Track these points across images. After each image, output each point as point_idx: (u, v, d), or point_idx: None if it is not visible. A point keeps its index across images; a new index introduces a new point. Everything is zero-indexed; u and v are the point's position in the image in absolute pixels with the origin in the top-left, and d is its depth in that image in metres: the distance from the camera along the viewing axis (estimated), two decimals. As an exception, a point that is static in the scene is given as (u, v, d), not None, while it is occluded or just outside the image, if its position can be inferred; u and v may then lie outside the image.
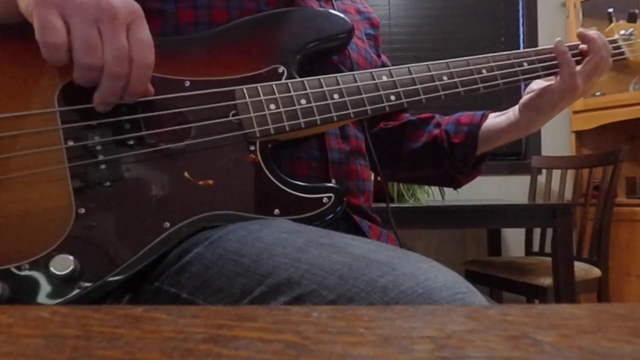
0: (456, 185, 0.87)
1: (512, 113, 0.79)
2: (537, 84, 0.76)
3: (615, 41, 0.81)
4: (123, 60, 0.47)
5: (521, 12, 2.68)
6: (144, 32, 0.49)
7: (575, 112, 2.50)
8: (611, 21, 0.85)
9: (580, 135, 2.53)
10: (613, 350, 0.17)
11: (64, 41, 0.46)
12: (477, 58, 0.69)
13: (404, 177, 0.94)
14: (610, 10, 0.86)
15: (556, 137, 2.61)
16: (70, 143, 0.50)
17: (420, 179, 0.95)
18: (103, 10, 0.46)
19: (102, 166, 0.51)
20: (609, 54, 0.75)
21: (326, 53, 0.65)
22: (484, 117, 0.81)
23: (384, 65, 0.83)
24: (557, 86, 0.73)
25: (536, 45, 2.62)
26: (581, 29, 0.75)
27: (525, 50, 0.73)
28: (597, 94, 2.47)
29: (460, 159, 0.81)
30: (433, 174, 0.86)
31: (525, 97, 0.77)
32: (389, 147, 0.85)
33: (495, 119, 0.80)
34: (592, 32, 0.74)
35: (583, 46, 0.75)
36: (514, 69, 0.71)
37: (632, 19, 0.85)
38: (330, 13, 0.64)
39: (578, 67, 0.73)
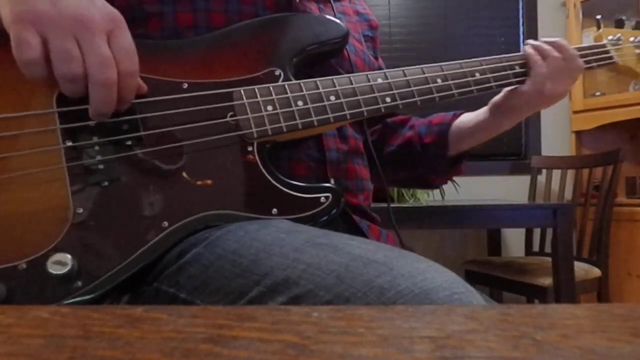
0: (430, 186, 0.89)
1: (481, 112, 0.79)
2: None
3: (604, 46, 0.82)
4: (108, 67, 0.47)
5: (521, 12, 2.68)
6: (125, 39, 0.49)
7: (575, 112, 2.50)
8: (599, 27, 0.86)
9: (580, 135, 2.53)
10: (613, 350, 0.17)
11: (38, 57, 0.46)
12: (470, 61, 0.70)
13: (387, 181, 0.95)
14: (599, 17, 0.88)
15: (556, 137, 2.61)
16: (69, 143, 0.51)
17: (399, 182, 0.96)
18: (79, 21, 0.46)
19: (100, 166, 0.51)
20: (570, 57, 0.73)
21: (322, 57, 0.66)
22: (454, 117, 0.82)
23: (380, 68, 0.83)
24: (525, 88, 0.72)
25: (536, 45, 2.62)
26: (530, 41, 0.75)
27: (517, 54, 0.74)
28: (597, 94, 2.48)
29: (432, 159, 0.82)
30: (408, 175, 0.87)
31: (495, 98, 0.77)
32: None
33: (465, 119, 0.81)
34: (542, 42, 0.74)
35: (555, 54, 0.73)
36: (506, 72, 0.72)
37: (619, 24, 0.88)
38: (326, 18, 0.65)
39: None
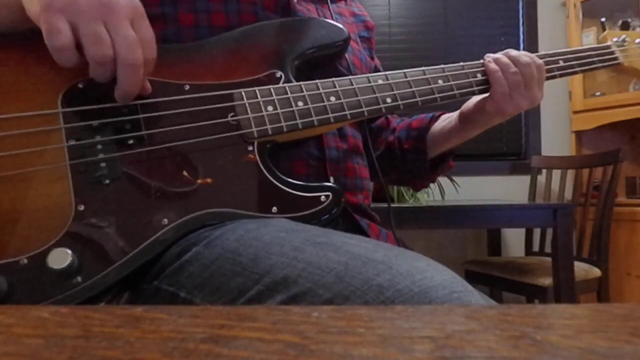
0: (415, 189, 0.90)
1: (454, 119, 0.79)
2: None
3: (608, 47, 0.83)
4: (136, 48, 0.49)
5: (521, 12, 2.68)
6: (146, 28, 0.51)
7: (575, 112, 2.50)
8: (604, 29, 0.87)
9: (580, 135, 2.53)
10: (613, 350, 0.17)
11: (70, 42, 0.47)
12: (472, 64, 0.70)
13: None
14: (603, 19, 0.89)
15: (556, 137, 2.61)
16: (72, 142, 0.51)
17: (389, 182, 0.97)
18: (106, 6, 0.48)
19: (103, 164, 0.52)
20: (523, 66, 0.69)
21: (323, 60, 0.66)
22: (433, 120, 0.82)
23: (376, 68, 0.85)
24: (488, 108, 0.71)
25: (536, 46, 2.63)
26: (490, 55, 0.71)
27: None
28: (597, 94, 2.48)
29: (412, 164, 0.83)
30: (394, 178, 0.88)
31: (463, 109, 0.76)
32: None
33: (442, 123, 0.81)
34: (495, 58, 0.70)
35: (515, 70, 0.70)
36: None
37: (625, 26, 0.88)
38: (327, 22, 0.65)
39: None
